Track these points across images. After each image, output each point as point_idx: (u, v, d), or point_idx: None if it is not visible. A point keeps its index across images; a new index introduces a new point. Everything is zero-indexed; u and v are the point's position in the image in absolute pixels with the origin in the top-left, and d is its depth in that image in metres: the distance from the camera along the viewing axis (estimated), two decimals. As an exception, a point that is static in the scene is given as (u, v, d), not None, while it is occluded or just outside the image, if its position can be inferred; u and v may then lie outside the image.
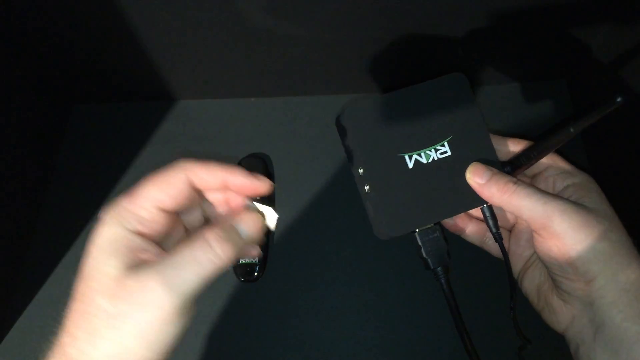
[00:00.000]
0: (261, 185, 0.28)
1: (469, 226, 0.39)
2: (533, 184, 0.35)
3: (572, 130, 0.31)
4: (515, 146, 0.37)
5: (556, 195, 0.31)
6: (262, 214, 0.28)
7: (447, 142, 0.35)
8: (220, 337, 0.45)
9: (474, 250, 0.40)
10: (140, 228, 0.26)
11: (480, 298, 0.44)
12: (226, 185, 0.28)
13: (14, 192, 0.48)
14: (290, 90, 0.54)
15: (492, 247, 0.39)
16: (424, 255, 0.35)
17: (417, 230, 0.35)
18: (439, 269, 0.36)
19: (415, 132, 0.35)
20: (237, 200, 0.29)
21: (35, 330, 0.46)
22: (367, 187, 0.35)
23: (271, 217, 0.29)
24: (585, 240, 0.29)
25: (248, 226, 0.27)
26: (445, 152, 0.35)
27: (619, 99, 0.28)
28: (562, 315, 0.33)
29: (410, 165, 0.34)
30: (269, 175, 0.50)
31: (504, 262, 0.36)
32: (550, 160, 0.35)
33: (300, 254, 0.48)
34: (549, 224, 0.30)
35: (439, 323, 0.44)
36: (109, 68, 0.50)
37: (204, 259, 0.24)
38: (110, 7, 0.41)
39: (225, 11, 0.41)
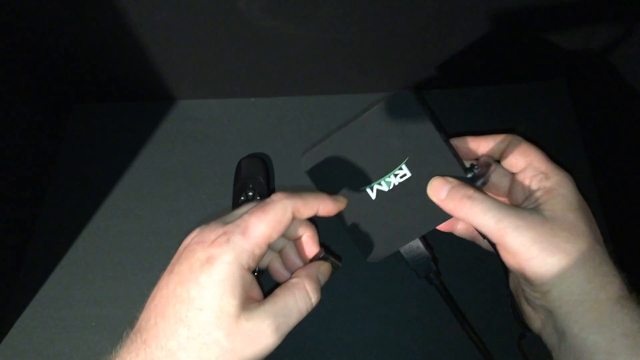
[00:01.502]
0: (342, 203, 0.35)
1: (458, 225, 0.39)
2: (507, 184, 0.35)
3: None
4: (476, 144, 0.36)
5: (512, 210, 0.31)
6: (333, 263, 0.34)
7: (405, 164, 0.35)
8: None
9: (471, 248, 0.40)
10: (252, 265, 0.29)
11: (477, 292, 0.44)
12: (317, 212, 0.32)
13: (14, 191, 0.48)
14: (290, 90, 0.54)
15: (483, 241, 0.39)
16: (411, 267, 0.38)
17: (400, 247, 0.37)
18: (430, 275, 0.38)
19: (372, 162, 0.35)
20: (312, 250, 0.34)
21: (35, 330, 0.46)
22: (344, 222, 0.37)
23: (338, 264, 0.35)
24: (539, 255, 0.29)
25: (325, 276, 0.33)
26: (405, 174, 0.35)
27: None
28: (533, 320, 0.33)
29: (373, 196, 0.35)
30: (269, 175, 0.50)
31: (495, 254, 0.36)
32: (528, 160, 0.34)
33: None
34: (502, 240, 0.30)
35: (440, 323, 0.44)
36: (109, 68, 0.50)
37: (304, 308, 0.30)
38: (110, 8, 0.41)
39: (225, 11, 0.41)
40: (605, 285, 0.29)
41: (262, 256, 0.30)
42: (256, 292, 0.30)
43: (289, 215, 0.30)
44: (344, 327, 0.45)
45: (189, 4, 0.40)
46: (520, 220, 0.30)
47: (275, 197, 0.31)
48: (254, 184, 0.48)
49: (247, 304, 0.28)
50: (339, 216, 0.36)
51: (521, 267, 0.30)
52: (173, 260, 0.30)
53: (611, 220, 0.47)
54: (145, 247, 0.48)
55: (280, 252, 0.36)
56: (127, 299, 0.46)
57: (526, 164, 0.34)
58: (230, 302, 0.27)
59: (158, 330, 0.27)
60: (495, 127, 0.51)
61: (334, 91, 0.54)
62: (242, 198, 0.47)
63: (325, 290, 0.46)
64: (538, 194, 0.32)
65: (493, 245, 0.34)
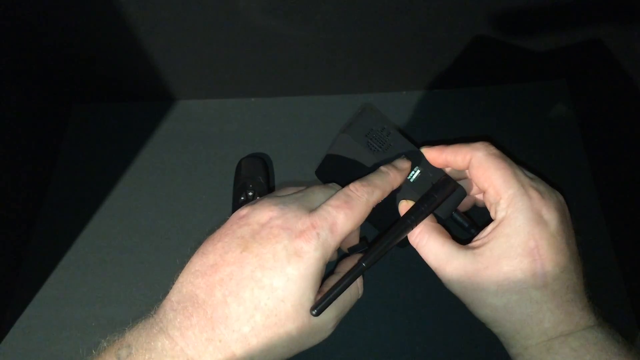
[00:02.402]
0: (408, 166, 0.35)
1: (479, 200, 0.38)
2: (438, 232, 0.34)
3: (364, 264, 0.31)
4: (438, 154, 0.35)
5: (448, 256, 0.31)
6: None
7: None
8: None
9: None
10: (332, 259, 0.31)
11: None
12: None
13: (14, 191, 0.48)
14: (290, 90, 0.54)
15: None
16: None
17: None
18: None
19: (360, 175, 0.36)
20: (354, 239, 0.37)
21: (35, 330, 0.46)
22: None
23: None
24: (470, 305, 0.31)
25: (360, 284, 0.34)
26: None
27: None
28: None
29: None
30: (269, 175, 0.50)
31: None
32: (488, 182, 0.32)
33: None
34: (444, 282, 0.32)
35: (440, 323, 0.44)
36: (109, 68, 0.50)
37: (354, 301, 0.32)
38: (110, 8, 0.41)
39: (225, 11, 0.41)
40: (534, 333, 0.29)
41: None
42: (325, 287, 0.30)
43: (369, 212, 0.31)
44: (344, 328, 0.45)
45: (189, 4, 0.40)
46: (453, 272, 0.31)
47: (357, 191, 0.31)
48: (254, 184, 0.48)
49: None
50: None
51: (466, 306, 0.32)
52: (242, 232, 0.29)
53: (611, 220, 0.47)
54: (145, 247, 0.48)
55: None
56: (127, 299, 0.46)
57: (486, 187, 0.32)
58: (310, 297, 0.28)
59: (230, 311, 0.26)
60: (495, 127, 0.52)
61: (334, 91, 0.54)
62: (242, 198, 0.47)
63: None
64: (488, 228, 0.32)
65: None
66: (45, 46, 0.47)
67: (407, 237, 0.34)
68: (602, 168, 0.49)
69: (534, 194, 0.30)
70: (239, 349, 0.26)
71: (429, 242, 0.32)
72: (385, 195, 0.32)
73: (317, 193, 0.32)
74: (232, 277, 0.27)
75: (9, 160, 0.47)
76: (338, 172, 0.38)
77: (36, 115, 0.51)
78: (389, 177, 0.33)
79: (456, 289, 0.31)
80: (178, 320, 0.26)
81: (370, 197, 0.31)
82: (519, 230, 0.29)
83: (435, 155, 0.35)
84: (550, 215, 0.30)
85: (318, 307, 0.28)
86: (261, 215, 0.29)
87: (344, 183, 0.33)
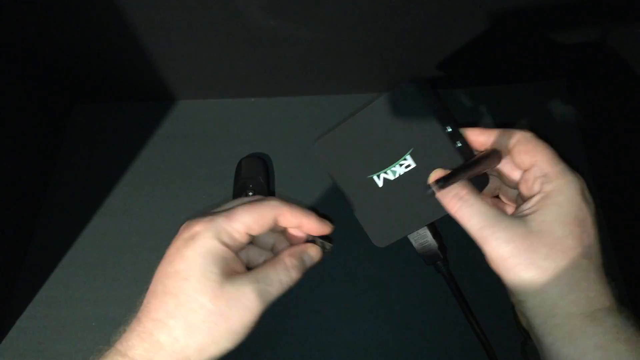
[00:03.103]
0: (328, 228, 0.35)
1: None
2: (517, 179, 0.34)
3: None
4: (482, 135, 0.36)
5: (498, 218, 0.31)
6: (322, 245, 0.36)
7: (410, 155, 0.36)
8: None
9: (475, 246, 0.40)
10: (230, 244, 0.31)
11: (482, 293, 0.44)
12: (300, 226, 0.34)
13: (14, 192, 0.48)
14: (290, 90, 0.54)
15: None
16: (419, 254, 0.39)
17: (407, 235, 0.38)
18: (438, 262, 0.39)
19: (379, 151, 0.36)
20: (299, 234, 0.36)
21: (35, 330, 0.46)
22: (353, 207, 0.38)
23: (328, 247, 0.36)
24: (513, 269, 0.30)
25: (311, 257, 0.35)
26: (409, 165, 0.36)
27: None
28: (523, 322, 0.33)
29: (380, 184, 0.37)
30: (269, 175, 0.50)
31: None
32: (534, 159, 0.33)
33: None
34: (482, 248, 0.31)
35: (440, 323, 0.44)
36: (109, 68, 0.50)
37: (285, 280, 0.32)
38: (110, 8, 0.41)
39: (225, 11, 0.41)
40: (580, 300, 0.29)
41: (242, 244, 0.31)
42: (239, 267, 0.31)
43: (272, 215, 0.32)
44: (344, 327, 0.45)
45: (189, 4, 0.40)
46: (502, 232, 0.30)
47: (268, 198, 0.33)
48: (254, 184, 0.48)
49: (231, 271, 0.30)
50: (348, 203, 0.38)
51: (499, 274, 0.31)
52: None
53: (611, 221, 0.47)
54: (145, 247, 0.48)
55: (272, 250, 0.37)
56: (127, 299, 0.46)
57: (532, 163, 0.33)
58: (212, 270, 0.29)
59: (149, 307, 0.30)
60: (495, 127, 0.52)
61: (333, 91, 0.54)
62: (242, 198, 0.47)
63: (326, 289, 0.47)
64: (535, 199, 0.32)
65: None
66: (46, 46, 0.47)
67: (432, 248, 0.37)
68: (602, 168, 0.49)
69: (577, 173, 0.32)
70: (161, 335, 0.29)
71: (476, 203, 0.32)
72: (292, 217, 0.33)
73: (233, 202, 0.34)
74: (153, 283, 0.31)
75: (9, 160, 0.47)
76: (352, 148, 0.37)
77: (36, 115, 0.51)
78: (310, 214, 0.34)
79: (503, 251, 0.30)
80: (122, 336, 0.30)
81: (277, 203, 0.32)
82: (571, 200, 0.31)
83: (478, 133, 0.36)
84: (590, 196, 0.32)
85: (442, 181, 0.31)
86: (181, 227, 0.33)
87: (349, 170, 0.35)
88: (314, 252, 0.35)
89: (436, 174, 0.34)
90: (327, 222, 0.35)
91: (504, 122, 0.52)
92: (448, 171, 0.33)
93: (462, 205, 0.32)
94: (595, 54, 0.48)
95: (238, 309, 0.29)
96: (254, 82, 0.53)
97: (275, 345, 0.45)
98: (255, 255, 0.35)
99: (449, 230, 0.37)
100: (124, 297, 0.46)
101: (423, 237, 0.39)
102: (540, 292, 0.30)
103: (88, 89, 0.54)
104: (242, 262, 0.32)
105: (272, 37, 0.45)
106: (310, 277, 0.46)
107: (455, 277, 0.40)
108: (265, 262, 0.33)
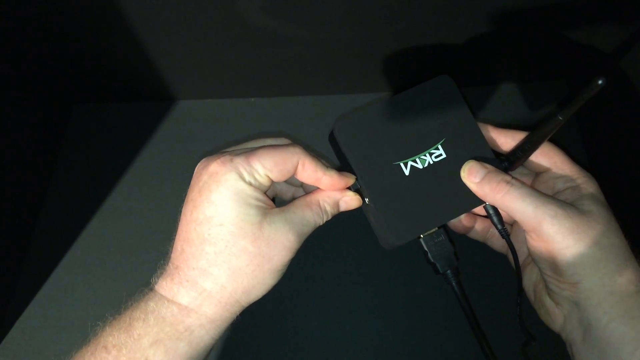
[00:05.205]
0: (350, 180, 0.33)
1: (476, 224, 0.39)
2: (529, 184, 0.35)
3: (560, 118, 0.31)
4: (512, 137, 0.35)
5: (550, 198, 0.31)
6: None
7: (441, 144, 0.35)
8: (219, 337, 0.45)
9: (477, 247, 0.40)
10: (254, 184, 0.29)
11: (484, 294, 0.44)
12: (318, 181, 0.32)
13: (14, 192, 0.48)
14: (290, 90, 0.54)
15: (496, 243, 0.39)
16: (432, 260, 0.36)
17: (421, 236, 0.35)
18: (448, 271, 0.36)
19: (408, 138, 0.35)
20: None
21: (35, 330, 0.46)
22: (366, 200, 0.35)
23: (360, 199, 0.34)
24: (574, 245, 0.29)
25: (347, 203, 0.33)
26: (440, 155, 0.35)
27: (600, 82, 0.29)
28: (554, 315, 0.33)
29: (407, 172, 0.34)
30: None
31: (513, 258, 0.35)
32: (551, 161, 0.34)
33: (301, 253, 0.47)
34: (538, 227, 0.30)
35: (441, 323, 0.44)
36: (109, 68, 0.50)
37: (319, 223, 0.32)
38: (110, 8, 0.41)
39: (225, 11, 0.41)
40: (635, 278, 0.29)
41: (264, 187, 0.30)
42: (269, 203, 0.30)
43: (294, 161, 0.31)
44: (344, 328, 0.45)
45: (189, 4, 0.40)
46: (559, 209, 0.30)
47: (292, 143, 0.32)
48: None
49: (266, 211, 0.29)
50: (365, 189, 0.35)
51: (553, 257, 0.30)
52: (187, 192, 0.31)
53: (611, 220, 0.47)
54: (145, 247, 0.49)
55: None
56: (128, 299, 0.46)
57: (549, 165, 0.34)
58: (247, 211, 0.28)
59: (186, 255, 0.29)
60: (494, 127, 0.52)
61: (333, 91, 0.54)
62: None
63: (326, 289, 0.47)
64: (567, 192, 0.32)
65: (510, 244, 0.34)
66: (46, 46, 0.47)
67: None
68: (602, 168, 0.49)
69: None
70: (206, 282, 0.28)
71: (524, 185, 0.32)
72: (314, 168, 0.31)
73: (253, 142, 0.33)
74: (182, 228, 0.30)
75: (9, 161, 0.47)
76: (372, 134, 0.35)
77: (36, 116, 0.51)
78: (330, 169, 0.33)
79: (565, 228, 0.30)
80: (159, 279, 0.30)
81: (300, 150, 0.31)
82: (600, 192, 0.32)
83: (497, 132, 0.36)
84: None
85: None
86: (197, 168, 0.31)
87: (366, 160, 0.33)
88: (354, 202, 0.34)
89: (472, 165, 0.33)
90: (349, 174, 0.33)
91: (504, 122, 0.52)
92: (485, 164, 0.33)
93: (511, 188, 0.31)
94: (595, 54, 0.48)
95: (279, 250, 0.29)
96: (254, 82, 0.53)
97: (275, 345, 0.45)
98: (283, 189, 0.35)
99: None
100: (124, 297, 0.46)
101: (438, 240, 0.36)
102: (600, 268, 0.29)
103: (88, 89, 0.54)
104: (269, 198, 0.31)
105: (272, 37, 0.45)
106: (310, 277, 0.47)
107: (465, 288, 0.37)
108: (300, 200, 0.32)
